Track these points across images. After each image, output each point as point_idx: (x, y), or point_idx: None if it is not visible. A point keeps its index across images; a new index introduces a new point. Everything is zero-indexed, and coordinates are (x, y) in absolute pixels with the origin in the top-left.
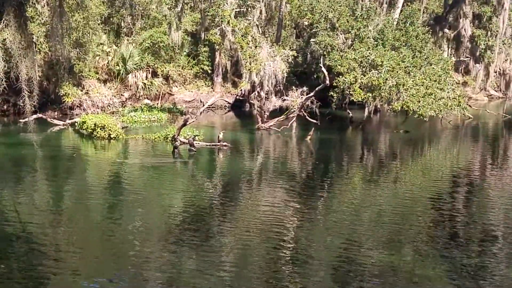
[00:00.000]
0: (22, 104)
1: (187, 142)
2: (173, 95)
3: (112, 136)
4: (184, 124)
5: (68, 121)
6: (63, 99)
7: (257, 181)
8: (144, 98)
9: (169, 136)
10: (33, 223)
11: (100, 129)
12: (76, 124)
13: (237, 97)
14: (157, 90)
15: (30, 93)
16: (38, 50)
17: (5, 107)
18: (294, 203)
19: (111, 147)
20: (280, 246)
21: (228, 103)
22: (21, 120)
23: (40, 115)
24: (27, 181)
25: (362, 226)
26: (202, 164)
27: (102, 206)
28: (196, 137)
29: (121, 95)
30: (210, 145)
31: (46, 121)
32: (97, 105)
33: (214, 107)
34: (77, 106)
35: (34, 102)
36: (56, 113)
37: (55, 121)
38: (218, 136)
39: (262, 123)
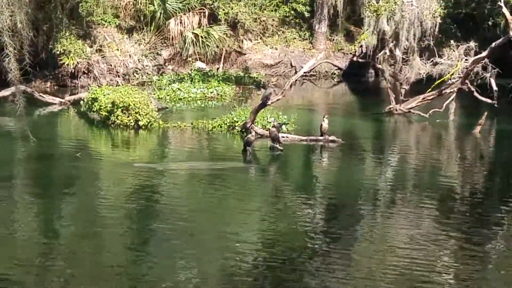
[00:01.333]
0: None
1: (267, 135)
2: (245, 54)
3: (141, 123)
4: (264, 105)
5: (68, 98)
6: (61, 60)
7: (392, 205)
8: (196, 59)
9: (237, 124)
10: None
11: (122, 111)
12: (81, 102)
13: (354, 58)
14: (217, 47)
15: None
16: None
17: None
18: (455, 241)
19: (140, 141)
20: None
21: (339, 69)
22: None
23: (22, 88)
24: None
25: None
26: (294, 173)
27: (126, 254)
28: (284, 127)
29: (157, 54)
30: (306, 139)
31: (32, 98)
32: (117, 72)
33: (314, 75)
34: (84, 73)
35: (14, 65)
36: (48, 84)
37: (47, 98)
38: (321, 125)
39: (396, 103)
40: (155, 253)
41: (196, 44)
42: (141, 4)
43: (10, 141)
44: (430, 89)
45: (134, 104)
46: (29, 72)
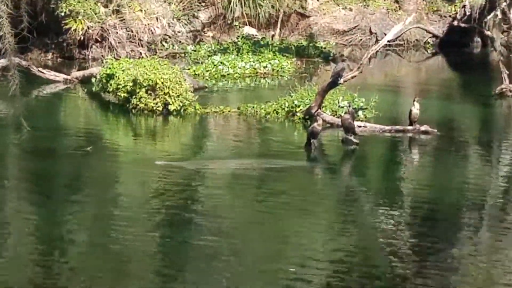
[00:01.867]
0: None
1: (339, 124)
2: (309, 17)
3: (171, 107)
4: (334, 84)
5: (75, 74)
6: (66, 25)
7: (503, 215)
8: (244, 23)
9: (298, 109)
10: None
11: (146, 92)
12: (93, 80)
13: (455, 23)
14: (272, 7)
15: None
16: None
17: None
18: None
19: (170, 132)
20: None
21: (434, 36)
22: None
23: (16, 60)
24: None
25: None
26: (374, 174)
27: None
28: (361, 113)
29: (193, 17)
30: (390, 130)
31: (29, 73)
32: (140, 40)
33: (401, 44)
34: (96, 42)
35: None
36: (49, 55)
37: (48, 74)
38: (410, 111)
39: (510, 82)
40: (188, 278)
41: (244, 3)
42: None
43: None
44: None
45: (162, 83)
46: (27, 39)
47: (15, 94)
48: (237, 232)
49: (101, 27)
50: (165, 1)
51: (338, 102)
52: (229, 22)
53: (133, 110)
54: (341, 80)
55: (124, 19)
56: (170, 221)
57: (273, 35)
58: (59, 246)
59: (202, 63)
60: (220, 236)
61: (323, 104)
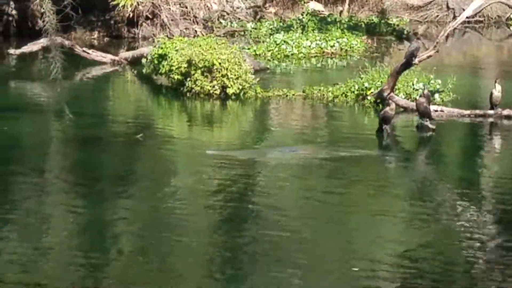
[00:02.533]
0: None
1: (413, 108)
2: None
3: (230, 91)
4: (408, 64)
5: (124, 55)
6: (113, 1)
7: None
8: None
9: (369, 92)
10: None
11: (202, 74)
12: (143, 61)
13: None
14: None
15: None
16: None
17: None
18: None
19: (228, 118)
20: None
21: None
22: (13, 52)
23: (58, 40)
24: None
25: None
26: (452, 162)
27: None
28: (437, 96)
29: None
30: (470, 114)
31: (72, 54)
32: (195, 17)
33: (481, 21)
34: (147, 19)
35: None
36: (95, 34)
37: (94, 54)
38: (491, 94)
39: None
40: (253, 280)
41: None
42: None
43: (40, 117)
44: None
45: (220, 64)
46: (70, 17)
47: (57, 78)
48: (304, 227)
49: (152, 2)
50: None
51: (413, 84)
52: None
53: (188, 94)
54: (416, 60)
55: None
56: (228, 216)
57: (341, 11)
58: (107, 243)
59: (263, 42)
60: (286, 231)
61: (396, 87)
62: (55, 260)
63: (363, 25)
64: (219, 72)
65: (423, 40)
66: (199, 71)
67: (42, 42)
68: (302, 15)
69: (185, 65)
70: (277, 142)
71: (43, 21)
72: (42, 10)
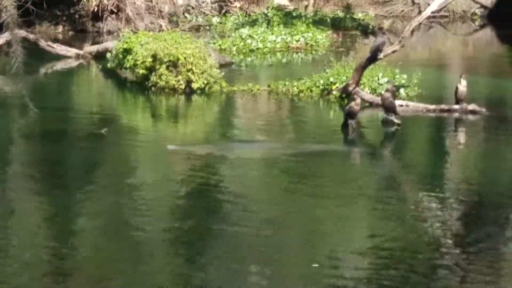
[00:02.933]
0: None
1: (379, 103)
2: None
3: (195, 85)
4: (373, 59)
5: (88, 49)
6: None
7: None
8: None
9: (334, 87)
10: None
11: (167, 68)
12: (108, 56)
13: None
14: None
15: None
16: None
17: None
18: None
19: (192, 113)
20: None
21: (482, 6)
22: None
23: (20, 33)
24: None
25: None
26: (417, 158)
27: None
28: (402, 91)
29: None
30: (435, 109)
31: (37, 48)
32: (160, 11)
33: (446, 16)
34: (112, 13)
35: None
36: (60, 28)
37: (58, 48)
38: (456, 89)
39: None
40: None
41: None
42: None
43: (2, 111)
44: None
45: (185, 58)
46: (31, 11)
47: (18, 72)
48: (268, 223)
49: None
50: None
51: (378, 79)
52: None
53: (153, 88)
54: (381, 55)
55: None
56: (188, 210)
57: (306, 6)
58: (72, 236)
59: (228, 36)
60: (249, 227)
61: (361, 82)
62: (14, 258)
63: (328, 20)
64: (184, 66)
65: (388, 34)
66: (164, 66)
67: (4, 36)
68: (267, 9)
69: (150, 60)
70: (241, 137)
71: (5, 15)
72: (4, 4)
